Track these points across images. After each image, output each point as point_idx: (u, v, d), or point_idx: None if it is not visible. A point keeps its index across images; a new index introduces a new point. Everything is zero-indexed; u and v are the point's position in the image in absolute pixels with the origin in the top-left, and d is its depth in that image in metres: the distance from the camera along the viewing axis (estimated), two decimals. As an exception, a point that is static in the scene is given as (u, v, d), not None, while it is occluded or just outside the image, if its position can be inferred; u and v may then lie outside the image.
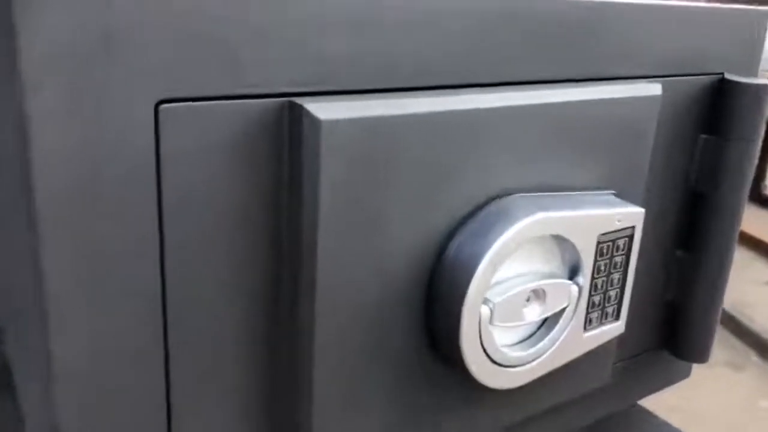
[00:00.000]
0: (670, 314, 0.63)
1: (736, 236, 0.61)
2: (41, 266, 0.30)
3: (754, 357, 2.12)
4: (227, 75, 0.33)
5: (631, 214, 0.47)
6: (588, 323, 0.48)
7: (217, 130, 0.34)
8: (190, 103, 0.33)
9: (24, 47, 0.28)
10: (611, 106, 0.47)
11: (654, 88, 0.50)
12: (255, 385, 0.39)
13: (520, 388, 0.45)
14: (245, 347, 0.38)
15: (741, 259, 2.94)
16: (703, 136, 0.58)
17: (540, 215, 0.42)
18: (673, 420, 1.42)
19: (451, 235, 0.41)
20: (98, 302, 0.32)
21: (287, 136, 0.35)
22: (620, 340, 0.53)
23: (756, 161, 0.59)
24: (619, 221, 0.46)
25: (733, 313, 2.29)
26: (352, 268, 0.37)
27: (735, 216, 0.59)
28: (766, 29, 0.60)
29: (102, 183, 0.31)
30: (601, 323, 0.49)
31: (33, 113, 0.29)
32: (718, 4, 0.56)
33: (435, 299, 0.41)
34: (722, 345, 2.20)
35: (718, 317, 0.64)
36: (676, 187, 0.59)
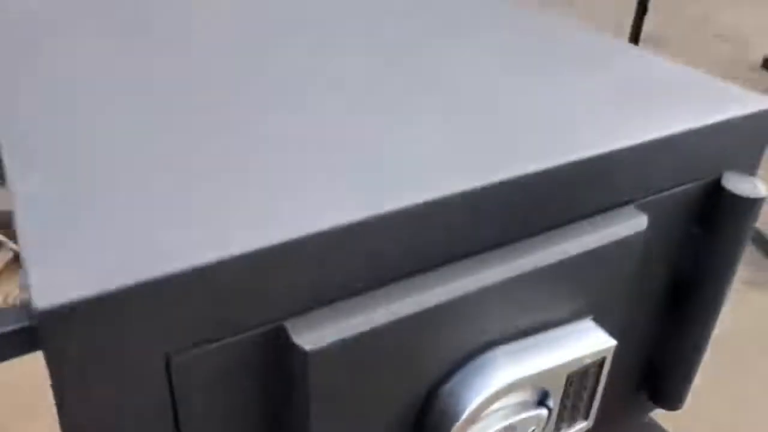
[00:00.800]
0: (652, 375, 0.69)
1: (716, 319, 0.65)
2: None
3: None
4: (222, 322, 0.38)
5: (602, 349, 0.52)
6: (558, 428, 0.54)
7: (219, 367, 0.39)
8: (195, 349, 0.38)
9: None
10: (595, 254, 0.50)
11: (639, 222, 0.52)
12: None
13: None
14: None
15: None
16: (695, 230, 0.60)
17: (512, 377, 0.47)
18: None
19: (434, 393, 0.47)
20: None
21: (278, 360, 0.41)
22: (617, 395, 0.59)
23: (741, 256, 0.61)
24: (588, 359, 0.51)
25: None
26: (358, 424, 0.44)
27: (719, 295, 0.63)
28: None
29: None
30: (570, 426, 0.55)
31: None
32: (725, 116, 0.56)
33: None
34: (745, 262, 2.24)
35: (697, 371, 0.69)
36: (668, 272, 0.62)
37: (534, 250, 0.48)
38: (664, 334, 0.66)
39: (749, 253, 1.68)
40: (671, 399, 0.70)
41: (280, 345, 0.40)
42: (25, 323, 0.50)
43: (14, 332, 0.70)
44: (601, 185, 0.51)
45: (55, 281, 0.34)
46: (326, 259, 0.40)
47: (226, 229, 0.38)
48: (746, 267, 1.91)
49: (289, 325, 0.40)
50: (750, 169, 0.61)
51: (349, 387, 0.42)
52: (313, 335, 0.40)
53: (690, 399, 0.70)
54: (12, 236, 1.90)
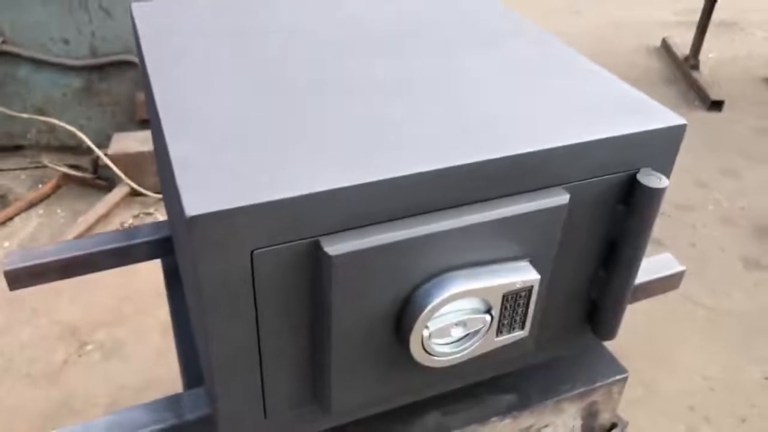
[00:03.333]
0: (591, 310, 0.94)
1: (638, 266, 0.90)
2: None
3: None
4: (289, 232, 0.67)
5: (529, 280, 0.78)
6: (499, 333, 0.81)
7: (284, 263, 0.69)
8: (268, 248, 0.67)
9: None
10: (528, 216, 0.76)
11: (563, 198, 0.77)
12: (305, 359, 0.78)
13: (452, 368, 0.81)
14: (298, 345, 0.76)
15: None
16: (619, 206, 0.85)
17: (461, 288, 0.74)
18: (698, 313, 2.00)
19: (413, 291, 0.75)
20: (231, 333, 0.71)
21: (315, 263, 0.70)
22: (559, 327, 0.86)
23: (652, 228, 0.85)
24: (519, 285, 0.77)
25: None
26: (362, 306, 0.73)
27: (637, 255, 0.87)
28: (683, 135, 0.83)
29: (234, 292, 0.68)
30: (510, 332, 0.82)
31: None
32: (640, 128, 0.80)
33: (402, 324, 0.76)
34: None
35: (624, 311, 0.94)
36: (601, 235, 0.87)
37: (486, 210, 0.75)
38: (599, 280, 0.91)
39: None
40: (606, 332, 0.96)
41: (317, 253, 0.69)
42: (156, 236, 0.83)
43: (149, 242, 1.07)
44: (538, 171, 0.76)
45: (197, 200, 0.64)
46: (352, 203, 0.68)
47: (295, 175, 0.67)
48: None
49: (322, 239, 0.69)
50: (666, 165, 0.84)
51: (358, 284, 0.71)
52: (337, 246, 0.68)
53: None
54: (128, 173, 2.29)
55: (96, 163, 2.35)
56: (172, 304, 1.30)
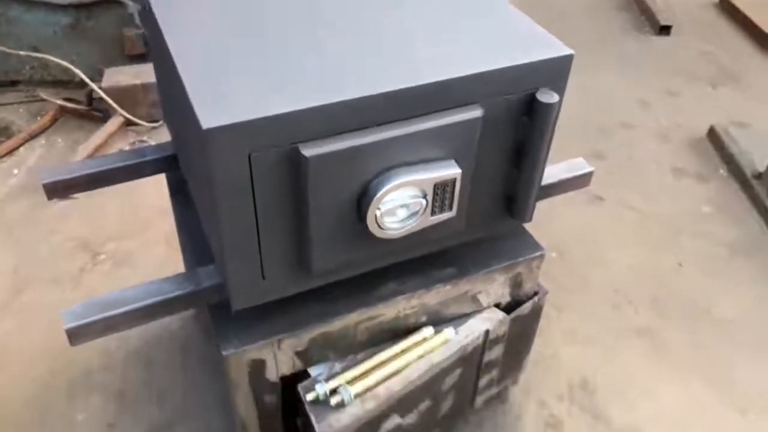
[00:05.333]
0: (508, 199, 1.24)
1: (542, 165, 1.18)
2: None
3: (722, 171, 2.64)
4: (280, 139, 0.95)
5: (453, 173, 1.06)
6: (433, 213, 1.11)
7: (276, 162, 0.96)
8: (262, 151, 0.94)
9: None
10: (451, 126, 1.04)
11: (476, 113, 1.05)
12: (292, 235, 1.06)
13: (400, 241, 1.10)
14: (286, 225, 1.04)
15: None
16: (524, 118, 1.13)
17: (403, 179, 1.03)
18: (629, 216, 2.44)
19: (368, 182, 1.03)
20: (238, 222, 0.99)
21: (295, 166, 0.97)
22: (484, 212, 1.16)
23: (551, 135, 1.13)
24: (445, 177, 1.06)
25: (720, 130, 2.74)
26: (332, 194, 1.01)
27: (539, 156, 1.16)
28: (571, 61, 1.10)
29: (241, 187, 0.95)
30: (441, 212, 1.11)
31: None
32: (530, 59, 1.07)
33: (361, 206, 1.05)
34: (699, 157, 2.72)
35: (533, 201, 1.24)
36: (510, 140, 1.15)
37: (419, 122, 1.02)
38: (513, 176, 1.20)
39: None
40: (521, 215, 1.25)
41: (296, 155, 0.96)
42: (163, 154, 1.12)
43: (156, 159, 1.38)
44: (458, 92, 1.04)
45: (209, 116, 0.90)
46: (322, 118, 0.95)
47: (279, 97, 0.94)
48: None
49: (300, 145, 0.96)
50: (559, 85, 1.12)
51: (327, 178, 0.99)
52: (311, 150, 0.96)
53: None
54: (122, 105, 2.51)
55: (90, 96, 2.56)
56: (177, 209, 1.58)
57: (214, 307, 1.24)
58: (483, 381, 1.56)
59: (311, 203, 1.01)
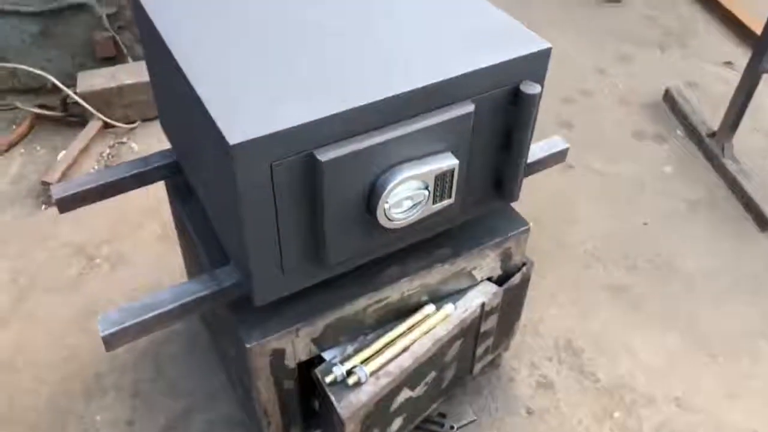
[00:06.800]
0: (498, 181, 1.35)
1: (527, 148, 1.29)
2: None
3: (679, 132, 2.80)
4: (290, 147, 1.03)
5: (451, 164, 1.17)
6: (434, 201, 1.21)
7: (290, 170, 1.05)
8: (282, 160, 1.03)
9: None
10: (448, 121, 1.14)
11: (469, 107, 1.15)
12: (308, 232, 1.15)
13: (404, 229, 1.21)
14: (303, 224, 1.13)
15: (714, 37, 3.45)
16: (510, 107, 1.23)
17: (408, 174, 1.12)
18: (597, 180, 2.62)
19: (376, 179, 1.13)
20: (260, 227, 1.07)
21: (313, 167, 1.06)
22: (476, 195, 1.26)
23: (534, 121, 1.24)
24: (445, 168, 1.16)
25: (674, 92, 2.90)
26: (344, 192, 1.10)
27: (525, 140, 1.27)
28: (549, 55, 1.21)
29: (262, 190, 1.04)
30: (441, 200, 1.22)
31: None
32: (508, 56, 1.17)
33: (370, 201, 1.15)
34: (657, 119, 2.88)
35: (521, 181, 1.35)
36: (499, 129, 1.26)
37: (419, 121, 1.12)
38: (502, 160, 1.31)
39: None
40: (509, 195, 1.36)
41: (312, 161, 1.05)
42: (165, 161, 1.20)
43: (160, 166, 1.46)
44: (452, 91, 1.13)
45: (233, 131, 0.98)
46: (334, 125, 1.04)
47: (295, 109, 1.02)
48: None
49: (315, 151, 1.04)
50: (539, 76, 1.22)
51: (340, 178, 1.08)
52: (325, 155, 1.04)
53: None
54: (98, 108, 2.53)
55: (65, 102, 2.57)
56: (181, 212, 1.65)
57: (231, 303, 1.33)
58: (480, 350, 1.68)
59: (326, 203, 1.10)
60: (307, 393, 1.52)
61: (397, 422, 1.56)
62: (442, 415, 1.82)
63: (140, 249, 2.18)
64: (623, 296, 2.14)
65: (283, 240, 1.14)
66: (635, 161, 2.64)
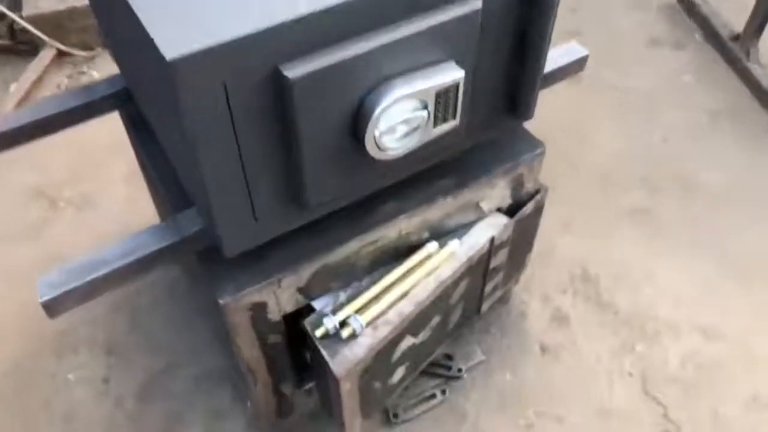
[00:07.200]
0: (510, 97, 1.12)
1: (545, 55, 1.06)
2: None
3: (697, 36, 2.54)
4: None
5: (456, 77, 0.94)
6: (435, 124, 0.99)
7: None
8: (238, 77, 0.80)
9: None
10: (451, 23, 0.90)
11: (475, 4, 0.91)
12: (282, 168, 0.94)
13: (400, 159, 0.99)
14: (274, 157, 0.92)
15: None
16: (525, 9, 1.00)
17: (397, 93, 0.90)
18: (610, 94, 2.31)
19: (362, 99, 0.90)
20: (220, 161, 0.86)
21: (279, 86, 0.83)
22: (485, 115, 1.04)
23: (554, 17, 1.01)
24: (447, 82, 0.93)
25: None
26: (323, 118, 0.88)
27: (543, 45, 1.04)
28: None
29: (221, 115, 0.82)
30: (444, 122, 1.00)
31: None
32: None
33: (357, 127, 0.93)
34: (673, 24, 2.61)
35: (536, 95, 1.13)
36: (511, 32, 1.02)
37: (413, 22, 0.88)
38: (515, 71, 1.08)
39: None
40: (524, 113, 1.14)
41: (279, 79, 0.82)
42: (114, 89, 0.94)
43: (107, 96, 1.19)
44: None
45: (172, 44, 0.75)
46: (301, 31, 0.81)
47: (250, 14, 0.79)
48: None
49: (281, 66, 0.82)
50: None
51: (315, 100, 0.85)
52: (294, 71, 0.82)
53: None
54: (50, 35, 2.26)
55: (12, 29, 2.29)
56: (139, 147, 1.42)
57: (201, 252, 1.13)
58: (488, 287, 1.50)
59: (300, 130, 0.88)
60: (298, 344, 1.35)
61: (400, 372, 1.40)
62: (449, 357, 1.66)
63: (106, 190, 1.97)
64: (643, 220, 1.94)
65: (250, 178, 0.93)
66: (651, 71, 2.39)
